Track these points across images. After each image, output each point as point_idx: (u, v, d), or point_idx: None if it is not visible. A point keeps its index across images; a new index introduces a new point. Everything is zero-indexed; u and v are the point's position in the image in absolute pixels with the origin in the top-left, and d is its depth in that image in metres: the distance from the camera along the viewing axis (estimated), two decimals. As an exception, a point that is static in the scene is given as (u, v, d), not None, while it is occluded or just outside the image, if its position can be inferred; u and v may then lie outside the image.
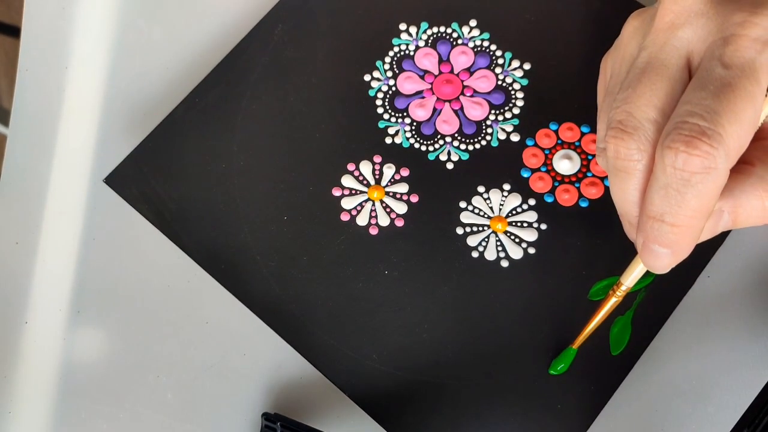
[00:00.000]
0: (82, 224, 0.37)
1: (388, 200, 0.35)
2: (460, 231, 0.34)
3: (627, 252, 0.34)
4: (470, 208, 0.35)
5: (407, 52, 0.37)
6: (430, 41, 0.37)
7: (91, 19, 0.40)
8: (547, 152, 0.36)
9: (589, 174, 0.35)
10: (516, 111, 0.36)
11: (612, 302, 0.30)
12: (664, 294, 0.33)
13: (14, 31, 0.72)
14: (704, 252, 0.33)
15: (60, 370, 0.35)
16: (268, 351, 0.34)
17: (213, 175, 0.36)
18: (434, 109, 0.36)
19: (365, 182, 0.35)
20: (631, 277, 0.29)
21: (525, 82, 0.37)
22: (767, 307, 0.33)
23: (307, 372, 0.33)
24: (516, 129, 0.36)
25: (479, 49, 0.37)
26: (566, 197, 0.35)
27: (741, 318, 0.33)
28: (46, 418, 0.34)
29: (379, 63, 0.37)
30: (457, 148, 0.36)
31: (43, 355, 0.35)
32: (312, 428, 0.31)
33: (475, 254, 0.34)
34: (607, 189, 0.35)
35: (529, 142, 0.36)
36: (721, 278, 0.34)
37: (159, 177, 0.35)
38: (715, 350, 0.33)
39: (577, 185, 0.35)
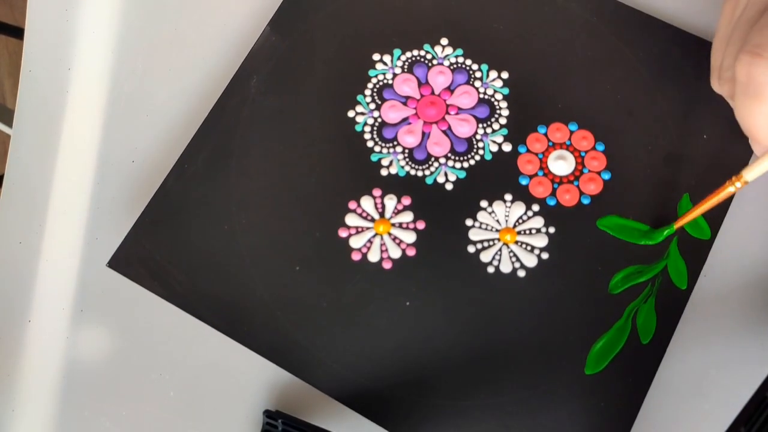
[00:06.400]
0: (85, 224, 0.37)
1: (396, 231, 0.35)
2: (471, 249, 0.35)
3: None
4: (477, 224, 0.35)
5: (385, 81, 0.37)
6: (406, 66, 0.38)
7: (94, 20, 0.40)
8: (540, 156, 0.36)
9: (585, 171, 0.36)
10: (503, 121, 0.37)
11: (728, 191, 0.31)
12: (680, 275, 0.34)
13: (18, 33, 0.71)
14: (714, 225, 0.34)
15: (63, 368, 0.35)
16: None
17: (217, 239, 0.35)
18: (423, 133, 0.36)
19: (369, 218, 0.35)
20: (754, 172, 0.30)
21: (506, 91, 0.37)
22: (764, 305, 0.34)
23: (330, 397, 0.33)
24: (506, 139, 0.36)
25: (455, 66, 0.37)
26: (567, 197, 0.35)
27: (738, 316, 0.34)
28: (49, 416, 0.34)
29: (360, 97, 0.37)
30: (453, 167, 0.36)
31: (46, 354, 0.35)
32: (313, 425, 0.31)
33: (490, 269, 0.34)
34: (605, 182, 0.35)
35: (522, 149, 0.36)
36: (717, 277, 0.34)
37: (163, 251, 0.35)
38: (712, 348, 0.33)
39: (576, 184, 0.35)
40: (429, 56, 0.38)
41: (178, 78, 0.39)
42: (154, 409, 0.34)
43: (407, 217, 0.35)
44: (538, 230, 0.35)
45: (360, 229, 0.35)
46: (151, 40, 0.40)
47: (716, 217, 0.34)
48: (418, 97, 0.37)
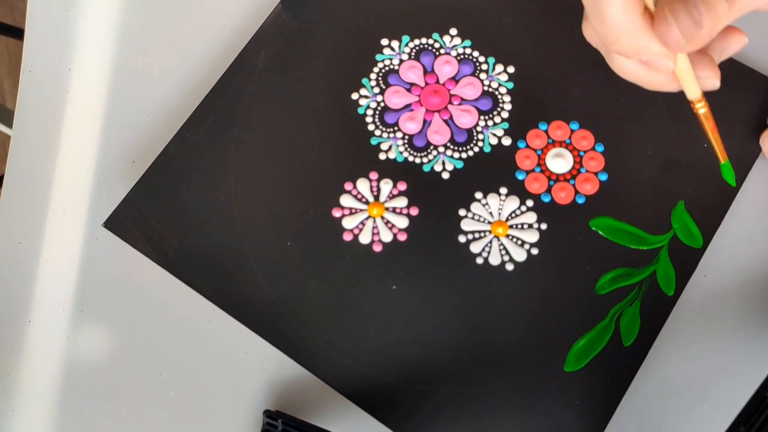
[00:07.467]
0: (85, 223, 0.37)
1: (389, 216, 0.35)
2: (462, 239, 0.35)
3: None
4: (470, 215, 0.35)
5: (392, 66, 0.38)
6: (413, 54, 0.38)
7: (94, 20, 0.41)
8: (539, 153, 0.36)
9: (582, 170, 0.36)
10: (505, 115, 0.37)
11: (702, 115, 0.26)
12: (668, 281, 0.34)
13: (18, 33, 0.72)
14: (706, 234, 0.34)
15: (63, 368, 0.35)
16: (269, 349, 0.34)
17: (212, 208, 0.36)
18: (424, 121, 0.37)
19: (364, 200, 0.36)
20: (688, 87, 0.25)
21: (510, 85, 0.37)
22: (763, 306, 0.34)
23: (308, 370, 0.34)
24: (506, 133, 0.36)
25: (462, 57, 0.38)
26: (563, 195, 0.35)
27: (737, 317, 0.34)
28: (49, 416, 0.34)
29: (365, 80, 0.37)
30: (451, 157, 0.36)
31: (46, 353, 0.35)
32: (313, 425, 0.31)
33: (479, 260, 0.34)
34: (602, 183, 0.35)
35: (521, 145, 0.36)
36: (717, 278, 0.34)
37: (158, 216, 0.35)
38: (711, 349, 0.33)
39: (572, 182, 0.35)
40: (437, 45, 0.38)
41: (178, 78, 0.39)
42: (154, 408, 0.34)
43: (401, 202, 0.35)
44: (530, 225, 0.35)
45: (353, 211, 0.35)
46: (151, 40, 0.40)
47: (710, 225, 0.34)
48: (422, 84, 0.37)
